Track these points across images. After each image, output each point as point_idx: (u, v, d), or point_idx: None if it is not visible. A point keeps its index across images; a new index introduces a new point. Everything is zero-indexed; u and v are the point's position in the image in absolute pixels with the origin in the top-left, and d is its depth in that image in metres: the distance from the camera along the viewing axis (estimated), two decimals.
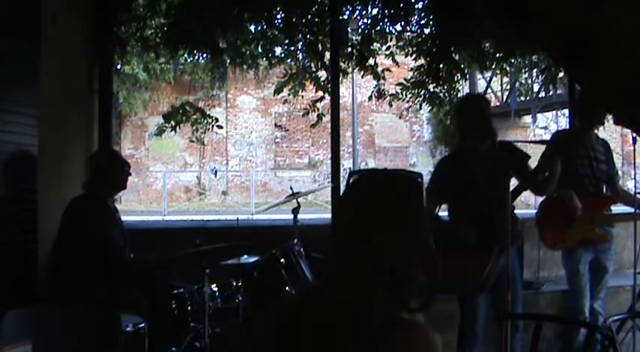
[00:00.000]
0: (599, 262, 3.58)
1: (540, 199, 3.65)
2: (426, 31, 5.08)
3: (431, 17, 4.97)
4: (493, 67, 5.50)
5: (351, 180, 1.24)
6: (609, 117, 3.40)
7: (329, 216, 4.20)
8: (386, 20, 5.02)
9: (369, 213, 1.15)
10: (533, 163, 3.20)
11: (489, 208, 2.92)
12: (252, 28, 5.07)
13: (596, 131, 3.62)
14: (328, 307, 1.14)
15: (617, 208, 3.69)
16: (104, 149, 4.20)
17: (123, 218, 3.50)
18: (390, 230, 1.14)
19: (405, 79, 5.25)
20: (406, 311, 1.13)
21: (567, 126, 3.79)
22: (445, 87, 5.07)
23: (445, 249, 3.24)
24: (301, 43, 5.05)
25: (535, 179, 3.14)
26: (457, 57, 5.07)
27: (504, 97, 14.74)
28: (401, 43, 5.24)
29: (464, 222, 3.05)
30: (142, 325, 2.66)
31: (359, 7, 5.16)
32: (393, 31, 5.18)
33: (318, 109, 5.35)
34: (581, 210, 3.42)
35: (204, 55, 5.19)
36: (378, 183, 1.21)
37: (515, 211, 3.12)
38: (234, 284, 3.26)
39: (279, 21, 4.92)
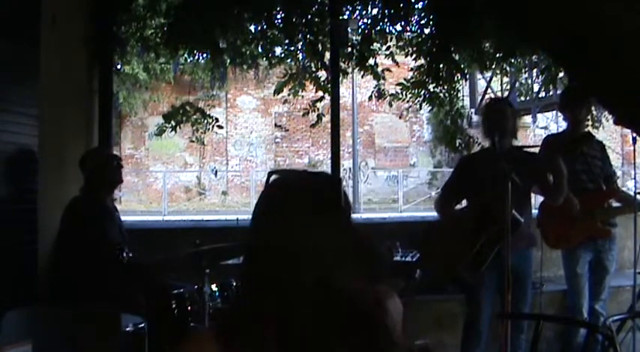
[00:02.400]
0: (599, 262, 3.57)
1: (540, 199, 3.65)
2: (426, 31, 5.07)
3: (431, 17, 4.96)
4: (493, 67, 5.48)
5: (270, 180, 1.25)
6: (609, 117, 3.40)
7: None
8: (386, 20, 5.01)
9: (292, 214, 1.16)
10: None
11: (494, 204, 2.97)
12: (252, 28, 5.06)
13: (589, 131, 3.64)
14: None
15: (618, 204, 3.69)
16: (91, 150, 4.07)
17: (123, 218, 3.51)
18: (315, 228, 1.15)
19: (405, 79, 5.23)
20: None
21: (567, 127, 3.78)
22: (445, 87, 5.06)
23: (449, 234, 3.32)
24: (301, 43, 5.03)
25: (549, 186, 3.19)
26: (457, 57, 5.06)
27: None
28: (401, 43, 5.23)
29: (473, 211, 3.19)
30: (142, 325, 2.66)
31: (359, 7, 5.15)
32: (393, 31, 5.17)
33: (318, 109, 5.33)
34: (580, 206, 3.42)
35: (204, 55, 5.18)
36: (298, 184, 1.23)
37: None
38: (234, 284, 3.25)
39: (279, 21, 4.91)
